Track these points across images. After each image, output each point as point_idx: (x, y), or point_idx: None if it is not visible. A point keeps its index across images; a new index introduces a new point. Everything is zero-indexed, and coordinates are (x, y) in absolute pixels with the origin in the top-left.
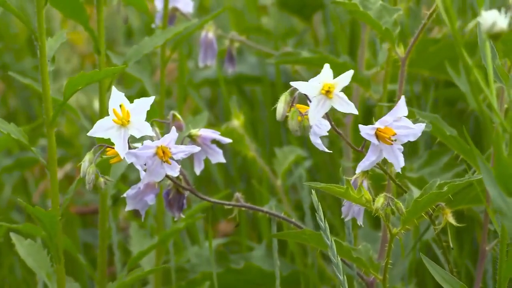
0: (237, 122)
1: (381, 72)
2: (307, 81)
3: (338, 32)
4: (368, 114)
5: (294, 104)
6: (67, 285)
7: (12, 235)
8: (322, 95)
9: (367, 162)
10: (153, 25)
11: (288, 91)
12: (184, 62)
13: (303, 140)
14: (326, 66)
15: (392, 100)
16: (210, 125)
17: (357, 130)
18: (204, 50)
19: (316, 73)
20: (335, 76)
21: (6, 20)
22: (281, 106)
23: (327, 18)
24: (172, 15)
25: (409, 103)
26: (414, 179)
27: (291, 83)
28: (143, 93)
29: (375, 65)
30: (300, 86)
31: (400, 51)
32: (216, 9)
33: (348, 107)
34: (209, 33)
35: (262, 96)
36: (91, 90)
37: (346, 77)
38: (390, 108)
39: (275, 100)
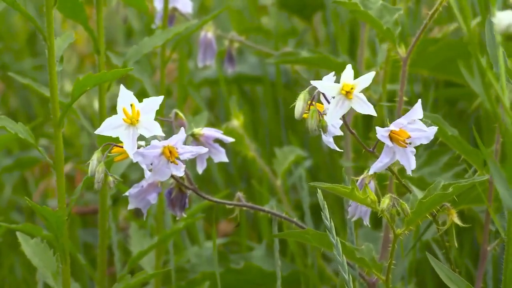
0: (237, 122)
1: (380, 72)
2: (307, 81)
3: (338, 32)
4: (367, 115)
5: (313, 103)
6: None
7: (18, 234)
8: (341, 95)
9: (380, 164)
10: (153, 26)
11: (307, 89)
12: (184, 62)
13: (303, 140)
14: (348, 67)
15: (391, 100)
16: (210, 125)
17: (356, 130)
18: (203, 50)
19: (316, 73)
20: (335, 76)
21: (6, 20)
22: (300, 105)
23: (327, 18)
24: (171, 16)
25: (409, 103)
26: (414, 179)
27: (312, 81)
28: (143, 93)
29: (375, 65)
30: (320, 85)
31: (402, 51)
32: (217, 9)
33: (368, 109)
34: (208, 33)
35: (263, 96)
36: (91, 90)
37: (367, 78)
38: (390, 108)
39: (276, 100)
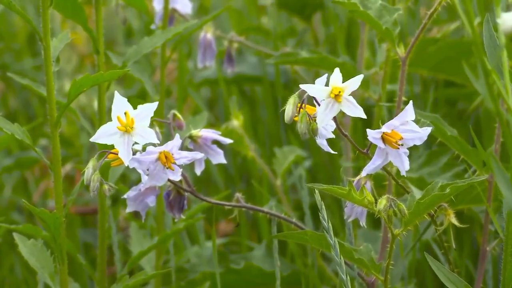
0: (236, 122)
1: (380, 72)
2: (307, 81)
3: (338, 32)
4: (367, 114)
5: (303, 107)
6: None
7: (15, 235)
8: (331, 98)
9: (373, 166)
10: (152, 26)
11: (296, 93)
12: (184, 62)
13: (303, 140)
14: (336, 70)
15: (391, 100)
16: (210, 125)
17: (356, 130)
18: (203, 50)
19: (316, 73)
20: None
21: (6, 20)
22: (289, 109)
23: (327, 18)
24: (171, 16)
25: (408, 103)
26: (413, 179)
27: (300, 85)
28: (143, 93)
29: (374, 65)
30: (309, 88)
31: (401, 50)
32: (217, 9)
33: (357, 111)
34: (208, 33)
35: (262, 96)
36: (91, 90)
37: (356, 81)
38: (389, 108)
39: (275, 100)
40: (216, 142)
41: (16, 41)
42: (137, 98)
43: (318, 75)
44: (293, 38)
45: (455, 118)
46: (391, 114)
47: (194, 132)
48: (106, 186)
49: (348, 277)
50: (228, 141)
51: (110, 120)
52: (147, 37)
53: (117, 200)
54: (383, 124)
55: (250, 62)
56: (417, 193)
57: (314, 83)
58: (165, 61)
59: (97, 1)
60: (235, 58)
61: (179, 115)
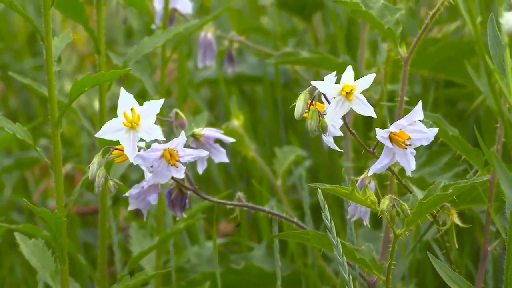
0: (237, 122)
1: (381, 72)
2: (309, 81)
3: (338, 32)
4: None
5: (313, 104)
6: None
7: (17, 234)
8: (341, 96)
9: (380, 165)
10: (153, 26)
11: (307, 89)
12: (184, 62)
13: (303, 140)
14: (349, 68)
15: (391, 100)
16: (210, 125)
17: (357, 129)
18: (203, 50)
19: (316, 73)
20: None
21: (6, 20)
22: (299, 105)
23: (327, 18)
24: (171, 16)
25: (409, 103)
26: (414, 179)
27: (312, 82)
28: (143, 93)
29: (375, 65)
30: (320, 85)
31: (403, 50)
32: (217, 9)
33: (367, 110)
34: (208, 33)
35: (262, 96)
36: (91, 90)
37: (367, 80)
38: (390, 108)
39: (275, 100)
40: (218, 141)
41: (16, 41)
42: (137, 98)
43: (318, 75)
44: (294, 38)
45: (455, 118)
46: (392, 114)
47: (197, 130)
48: (111, 182)
49: (350, 277)
50: (230, 140)
51: (111, 119)
52: (148, 37)
53: (117, 200)
54: (390, 123)
55: (250, 62)
56: (418, 193)
57: None
58: (166, 61)
59: (98, 1)
60: (235, 57)
61: (181, 114)
